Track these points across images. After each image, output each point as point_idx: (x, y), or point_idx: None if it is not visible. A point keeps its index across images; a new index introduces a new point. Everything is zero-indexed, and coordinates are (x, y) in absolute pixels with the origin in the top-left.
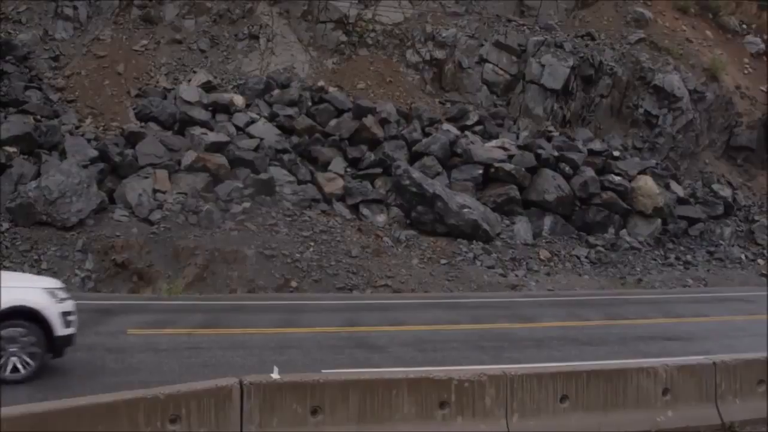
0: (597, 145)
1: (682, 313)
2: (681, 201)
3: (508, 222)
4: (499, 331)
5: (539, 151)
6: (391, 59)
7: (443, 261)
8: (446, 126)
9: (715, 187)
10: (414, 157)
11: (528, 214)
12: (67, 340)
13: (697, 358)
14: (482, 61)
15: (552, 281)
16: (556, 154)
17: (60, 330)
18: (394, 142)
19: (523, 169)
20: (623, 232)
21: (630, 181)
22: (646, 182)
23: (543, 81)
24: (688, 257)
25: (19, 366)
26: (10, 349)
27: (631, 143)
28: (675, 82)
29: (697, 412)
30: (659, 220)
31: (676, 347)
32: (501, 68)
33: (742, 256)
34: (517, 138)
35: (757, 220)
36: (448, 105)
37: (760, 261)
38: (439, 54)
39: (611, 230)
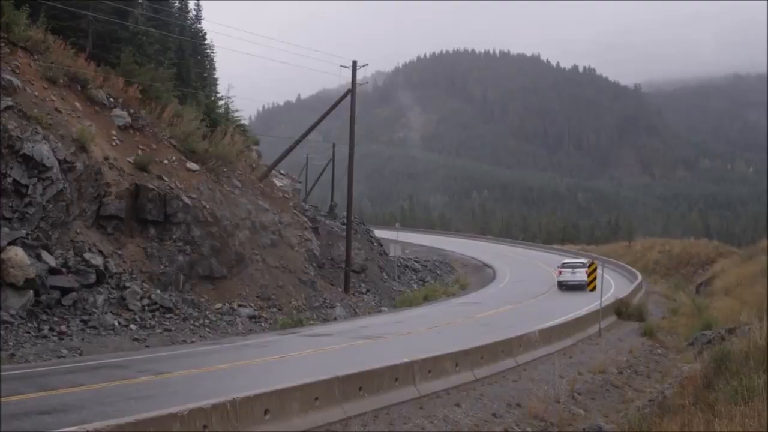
0: None
1: (57, 384)
2: (53, 271)
3: None
4: None
5: None
6: None
7: None
8: None
9: (87, 256)
10: None
11: None
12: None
13: (70, 429)
14: None
15: None
16: None
17: None
18: None
19: None
20: None
21: None
22: (17, 253)
23: None
24: (63, 327)
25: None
26: None
27: (1, 214)
28: (45, 152)
29: None
30: (31, 292)
31: (51, 420)
32: None
33: (116, 323)
34: None
35: (129, 287)
36: None
37: (132, 326)
38: None
39: None
